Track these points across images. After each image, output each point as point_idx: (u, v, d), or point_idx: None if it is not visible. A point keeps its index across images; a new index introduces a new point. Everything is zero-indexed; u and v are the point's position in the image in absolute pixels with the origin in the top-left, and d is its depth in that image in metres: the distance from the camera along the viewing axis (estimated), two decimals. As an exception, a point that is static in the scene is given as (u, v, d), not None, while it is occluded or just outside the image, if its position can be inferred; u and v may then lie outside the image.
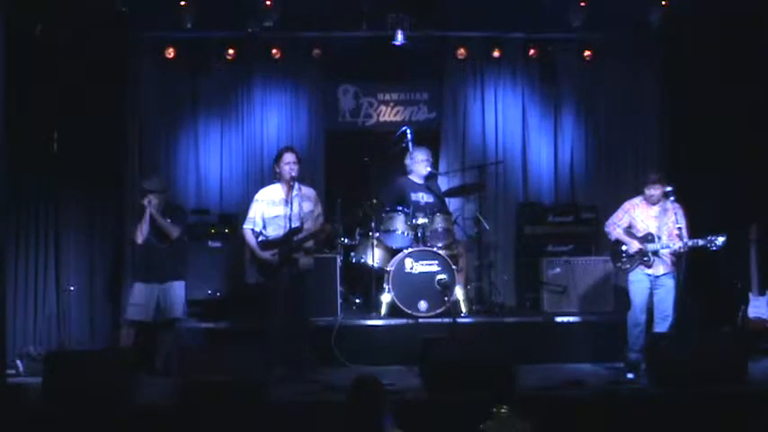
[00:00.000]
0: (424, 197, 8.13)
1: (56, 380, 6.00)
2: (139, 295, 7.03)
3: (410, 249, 7.71)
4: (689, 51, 8.44)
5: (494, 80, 9.11)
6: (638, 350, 6.86)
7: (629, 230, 7.03)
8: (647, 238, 6.89)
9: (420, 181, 8.18)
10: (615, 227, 7.08)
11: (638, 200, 7.06)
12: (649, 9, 7.98)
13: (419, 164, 8.14)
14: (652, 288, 6.92)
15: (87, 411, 5.74)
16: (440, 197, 8.29)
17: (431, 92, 9.22)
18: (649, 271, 6.90)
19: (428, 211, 7.89)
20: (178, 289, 7.16)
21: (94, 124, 7.83)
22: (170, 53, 8.53)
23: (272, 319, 6.75)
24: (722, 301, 7.95)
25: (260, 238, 6.84)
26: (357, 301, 8.32)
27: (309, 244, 6.85)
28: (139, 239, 7.03)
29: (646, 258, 6.87)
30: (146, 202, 7.02)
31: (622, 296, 7.43)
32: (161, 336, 7.11)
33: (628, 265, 6.98)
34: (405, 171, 8.27)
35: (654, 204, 6.94)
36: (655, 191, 6.86)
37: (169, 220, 7.06)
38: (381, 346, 7.43)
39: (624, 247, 6.99)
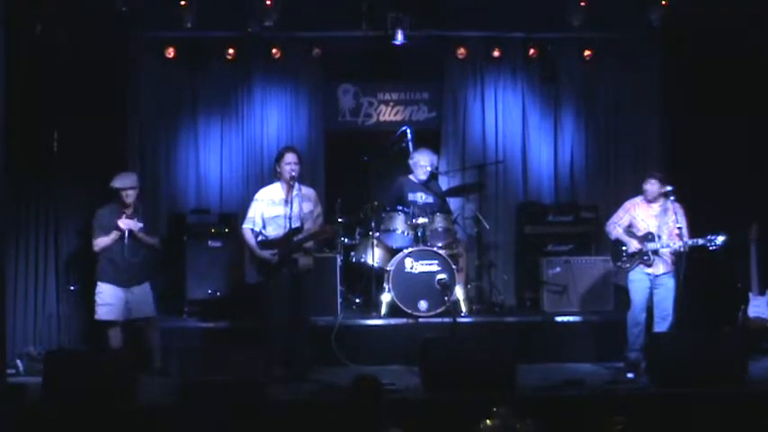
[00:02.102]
0: (422, 197, 8.13)
1: (56, 380, 6.00)
2: (108, 295, 6.93)
3: (410, 249, 7.71)
4: (689, 51, 8.44)
5: (494, 80, 9.11)
6: (638, 350, 6.87)
7: (629, 230, 7.03)
8: (648, 237, 6.89)
9: (420, 180, 8.19)
10: (615, 226, 7.09)
11: (638, 199, 7.07)
12: (649, 9, 7.97)
13: (419, 168, 8.16)
14: (652, 287, 6.93)
15: (87, 411, 5.74)
16: (440, 197, 8.29)
17: (431, 92, 9.23)
18: (649, 270, 6.90)
19: (428, 210, 7.90)
20: (144, 289, 7.04)
21: (94, 124, 7.82)
22: (170, 53, 8.54)
23: (272, 319, 6.75)
24: (722, 301, 7.95)
25: (259, 238, 6.84)
26: (357, 301, 8.32)
27: (309, 244, 6.85)
28: (96, 248, 6.91)
29: (646, 258, 6.88)
30: (123, 225, 6.87)
31: (622, 296, 7.43)
32: (146, 336, 7.09)
33: (628, 265, 6.98)
34: (407, 171, 8.29)
35: (652, 202, 6.95)
36: (651, 186, 6.87)
37: (149, 237, 7.01)
38: (381, 346, 7.43)
39: (624, 247, 6.99)
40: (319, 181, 8.79)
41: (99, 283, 7.00)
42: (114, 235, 6.91)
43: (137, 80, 8.57)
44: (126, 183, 6.99)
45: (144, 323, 7.08)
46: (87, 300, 7.75)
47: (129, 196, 6.94)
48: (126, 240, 6.90)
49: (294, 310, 6.75)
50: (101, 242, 6.95)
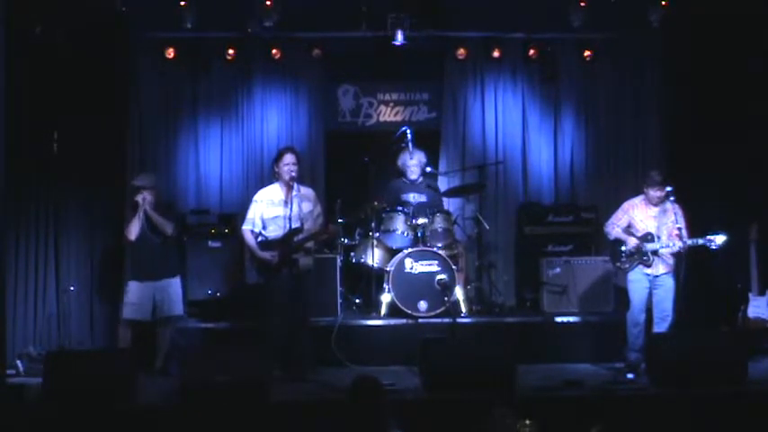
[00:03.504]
0: (415, 197, 8.17)
1: (56, 380, 6.00)
2: (135, 294, 6.99)
3: (410, 249, 7.71)
4: (689, 51, 8.44)
5: (494, 80, 9.10)
6: (638, 350, 6.87)
7: (628, 230, 7.03)
8: (647, 237, 6.89)
9: (413, 178, 8.21)
10: (614, 227, 7.08)
11: (637, 200, 7.06)
12: (649, 9, 7.98)
13: (408, 169, 8.22)
14: (651, 288, 6.92)
15: (87, 411, 5.74)
16: (437, 192, 8.31)
17: (431, 92, 9.22)
18: (648, 270, 6.90)
19: (424, 210, 7.90)
20: (175, 286, 7.14)
21: (94, 124, 7.83)
22: (170, 53, 8.53)
23: (272, 319, 6.75)
24: (722, 301, 7.95)
25: (259, 239, 6.84)
26: (357, 301, 8.31)
27: (310, 244, 6.84)
28: (132, 236, 7.01)
29: (645, 258, 6.87)
30: (140, 198, 7.00)
31: (622, 296, 7.42)
32: (159, 334, 7.10)
33: (627, 265, 6.98)
34: (399, 172, 8.32)
35: (655, 205, 6.94)
36: (660, 192, 6.85)
37: (161, 217, 7.07)
38: (381, 346, 7.43)
39: (623, 247, 6.99)
40: (319, 181, 8.79)
41: (129, 282, 7.08)
42: (139, 215, 6.97)
43: (137, 80, 8.57)
44: (145, 182, 7.10)
45: (167, 322, 7.10)
46: (87, 300, 7.79)
47: (143, 195, 7.00)
48: (146, 223, 6.98)
49: (294, 311, 6.75)
50: (132, 228, 7.00)
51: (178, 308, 7.16)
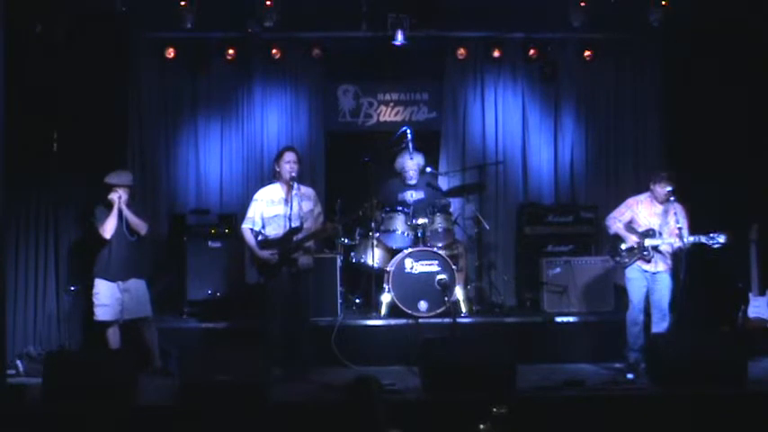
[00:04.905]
0: (412, 195, 8.18)
1: (56, 380, 6.00)
2: (104, 295, 6.92)
3: (410, 249, 7.72)
4: (689, 51, 8.44)
5: (494, 80, 9.11)
6: (638, 350, 6.87)
7: (629, 226, 7.02)
8: (648, 233, 6.89)
9: (412, 182, 8.21)
10: (615, 221, 7.08)
11: (643, 197, 7.06)
12: (649, 9, 7.98)
13: (405, 173, 8.24)
14: (649, 285, 6.92)
15: (87, 411, 5.74)
16: (438, 190, 8.30)
17: (431, 92, 9.23)
18: (647, 267, 6.90)
19: (428, 211, 7.90)
20: (139, 287, 7.02)
21: (94, 124, 7.82)
22: (170, 53, 8.55)
23: (271, 319, 6.75)
24: (722, 301, 7.95)
25: (259, 238, 6.84)
26: (357, 301, 8.32)
27: (310, 243, 6.84)
28: (108, 234, 6.93)
29: (645, 253, 6.87)
30: (115, 196, 6.93)
31: (622, 296, 7.43)
32: (144, 334, 7.09)
33: (626, 260, 6.98)
34: (397, 173, 8.34)
35: (661, 203, 6.94)
36: (668, 189, 6.84)
37: (136, 217, 6.99)
38: (381, 346, 7.43)
39: (624, 244, 6.99)
40: (319, 181, 8.80)
41: (96, 281, 7.00)
42: (114, 212, 6.89)
43: (137, 80, 8.58)
44: (122, 180, 7.00)
45: (141, 324, 7.07)
46: (87, 300, 7.77)
47: (119, 193, 6.92)
48: (123, 223, 6.91)
49: (294, 310, 6.75)
50: (107, 225, 6.91)
51: (144, 309, 7.04)
